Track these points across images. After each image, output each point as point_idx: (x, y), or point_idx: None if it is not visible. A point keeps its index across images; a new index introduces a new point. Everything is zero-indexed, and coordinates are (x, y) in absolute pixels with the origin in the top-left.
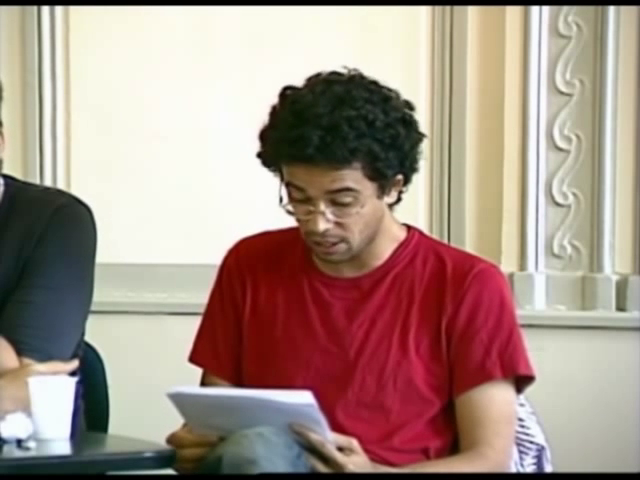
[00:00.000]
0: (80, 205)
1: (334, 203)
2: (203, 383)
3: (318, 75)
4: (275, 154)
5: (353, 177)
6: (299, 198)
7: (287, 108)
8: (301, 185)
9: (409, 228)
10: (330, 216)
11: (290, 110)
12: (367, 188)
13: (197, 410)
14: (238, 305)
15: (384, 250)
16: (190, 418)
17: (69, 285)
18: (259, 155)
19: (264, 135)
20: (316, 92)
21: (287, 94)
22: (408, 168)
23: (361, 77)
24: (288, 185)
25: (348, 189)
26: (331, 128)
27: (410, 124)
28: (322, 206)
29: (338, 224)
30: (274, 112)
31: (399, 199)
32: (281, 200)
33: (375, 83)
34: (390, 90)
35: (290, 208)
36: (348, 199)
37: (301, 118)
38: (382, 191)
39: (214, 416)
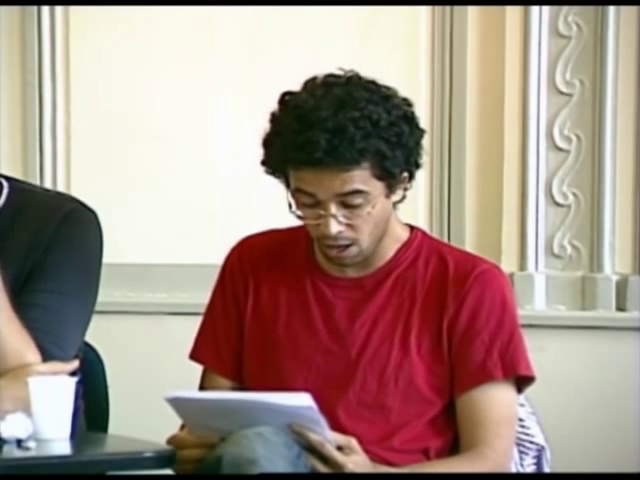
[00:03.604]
0: (88, 210)
1: (345, 205)
2: (203, 381)
3: (315, 79)
4: (282, 160)
5: (362, 178)
6: (309, 203)
7: (290, 114)
8: (310, 190)
9: (412, 228)
10: (341, 219)
11: (293, 115)
12: (376, 188)
13: (196, 413)
14: (240, 303)
15: (388, 250)
16: (189, 421)
17: (77, 290)
18: (263, 162)
19: (268, 142)
20: (317, 96)
21: (287, 99)
22: (413, 165)
23: (358, 77)
24: (296, 191)
25: (358, 191)
26: (337, 130)
27: (412, 120)
28: (333, 209)
29: (349, 226)
30: (276, 119)
31: (403, 197)
32: (290, 206)
33: (373, 82)
34: (388, 88)
35: (300, 213)
36: (359, 200)
37: (306, 123)
38: (390, 190)
39: (213, 419)
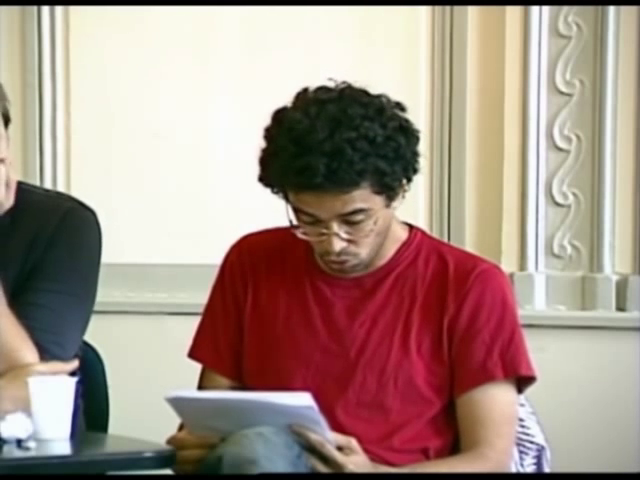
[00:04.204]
0: (86, 210)
1: (347, 223)
2: (202, 379)
3: (305, 91)
4: (281, 183)
5: (363, 197)
6: (310, 221)
7: (285, 135)
8: (311, 211)
9: (411, 228)
10: (344, 235)
11: (289, 137)
12: (377, 203)
13: (196, 413)
14: (240, 302)
15: (387, 250)
16: (189, 421)
17: (76, 289)
18: (261, 179)
19: (264, 161)
20: (311, 115)
21: (280, 118)
22: (411, 172)
23: (351, 89)
24: (297, 210)
25: (359, 209)
26: (335, 153)
27: (407, 129)
28: (335, 227)
29: (352, 241)
30: (271, 137)
31: (402, 197)
32: (291, 223)
33: (366, 93)
34: (380, 96)
35: (302, 231)
36: (360, 217)
37: (303, 146)
38: (390, 200)
39: (213, 419)
